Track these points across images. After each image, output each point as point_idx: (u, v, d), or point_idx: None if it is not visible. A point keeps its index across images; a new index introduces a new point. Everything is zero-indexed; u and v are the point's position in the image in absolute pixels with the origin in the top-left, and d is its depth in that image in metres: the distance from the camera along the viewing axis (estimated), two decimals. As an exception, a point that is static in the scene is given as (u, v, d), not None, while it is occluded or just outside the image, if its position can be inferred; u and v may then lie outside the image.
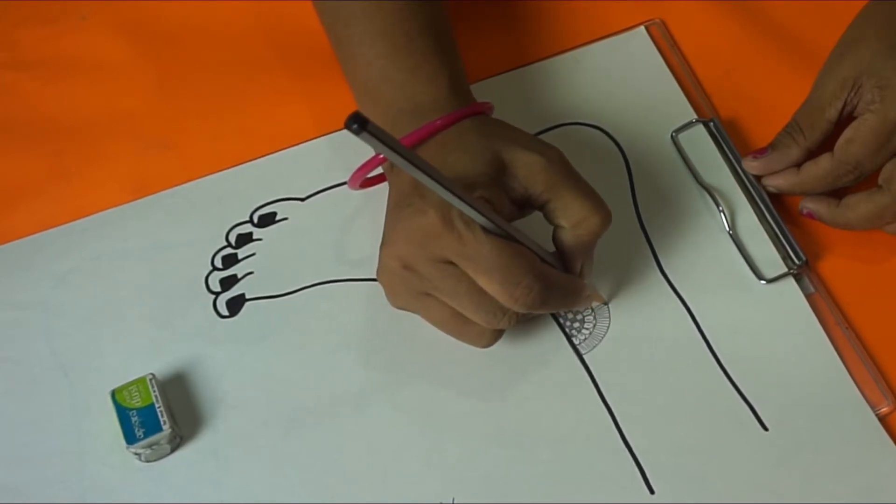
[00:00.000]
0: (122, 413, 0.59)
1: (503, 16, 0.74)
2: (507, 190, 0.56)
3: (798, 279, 0.63)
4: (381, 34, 0.61)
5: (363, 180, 0.60)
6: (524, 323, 0.62)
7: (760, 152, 0.65)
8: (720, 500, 0.57)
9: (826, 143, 0.63)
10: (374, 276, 0.58)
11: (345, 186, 0.65)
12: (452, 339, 0.58)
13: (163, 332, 0.63)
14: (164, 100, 0.72)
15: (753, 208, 0.65)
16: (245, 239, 0.66)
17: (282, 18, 0.74)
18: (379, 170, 0.61)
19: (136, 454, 0.59)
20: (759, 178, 0.66)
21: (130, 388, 0.60)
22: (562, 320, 0.63)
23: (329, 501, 0.58)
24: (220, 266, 0.66)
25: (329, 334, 0.63)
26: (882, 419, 0.59)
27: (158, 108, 0.71)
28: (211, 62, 0.73)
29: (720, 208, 0.65)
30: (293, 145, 0.69)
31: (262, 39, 0.74)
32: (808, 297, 0.63)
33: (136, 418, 0.59)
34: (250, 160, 0.69)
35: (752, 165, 0.65)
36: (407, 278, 0.55)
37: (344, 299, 0.64)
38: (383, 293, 0.58)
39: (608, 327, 0.62)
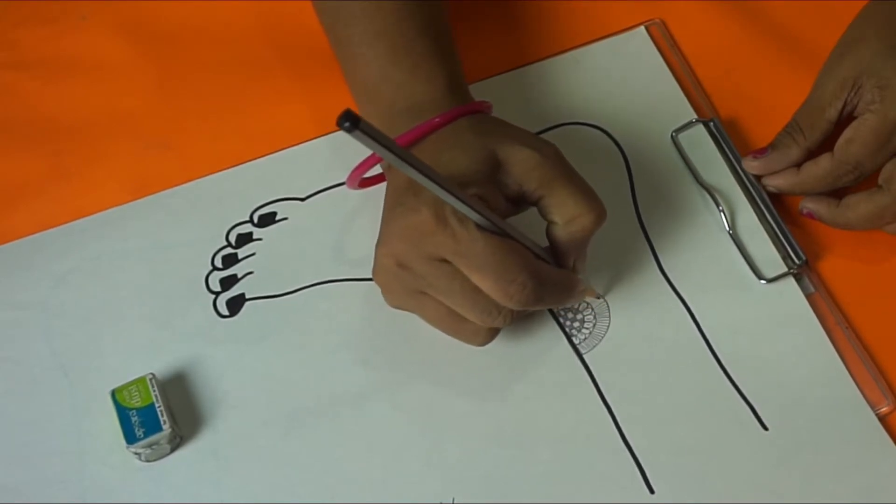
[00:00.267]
0: (122, 413, 0.59)
1: (503, 16, 0.74)
2: (501, 187, 0.56)
3: (798, 279, 0.63)
4: (381, 34, 0.61)
5: (362, 180, 0.60)
6: (523, 322, 0.62)
7: (760, 152, 0.65)
8: (720, 500, 0.57)
9: (826, 143, 0.63)
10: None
11: (345, 186, 0.65)
12: (452, 339, 0.58)
13: (163, 332, 0.63)
14: (164, 100, 0.72)
15: (753, 208, 0.65)
16: (245, 239, 0.66)
17: (282, 18, 0.74)
18: (378, 169, 0.61)
19: (136, 454, 0.59)
20: (759, 177, 0.66)
21: (130, 387, 0.60)
22: (562, 320, 0.63)
23: (329, 501, 0.58)
24: (220, 266, 0.66)
25: (329, 334, 0.63)
26: (882, 419, 0.59)
27: (158, 108, 0.71)
28: (211, 62, 0.73)
29: (720, 208, 0.65)
30: (293, 145, 0.69)
31: (262, 39, 0.74)
32: (808, 296, 0.63)
33: (136, 418, 0.59)
34: (250, 160, 0.69)
35: (752, 165, 0.65)
36: (402, 277, 0.55)
37: (344, 299, 0.64)
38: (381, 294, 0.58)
39: (608, 327, 0.62)
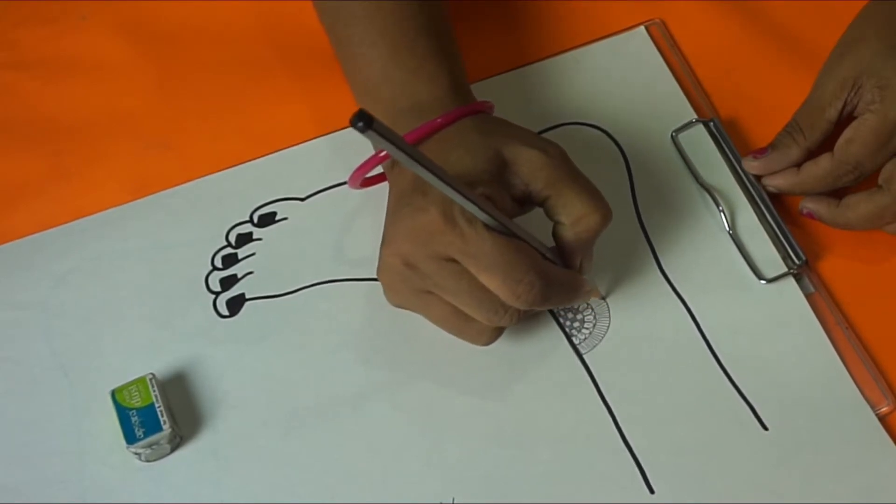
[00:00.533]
0: (122, 413, 0.59)
1: (503, 16, 0.74)
2: (508, 187, 0.56)
3: (798, 279, 0.63)
4: (382, 34, 0.61)
5: (363, 179, 0.60)
6: (524, 322, 0.62)
7: (760, 152, 0.65)
8: (720, 500, 0.57)
9: (826, 143, 0.63)
10: (375, 276, 0.58)
11: (345, 186, 0.65)
12: (453, 339, 0.58)
13: (163, 332, 0.63)
14: (164, 100, 0.72)
15: (753, 208, 0.65)
16: (245, 239, 0.66)
17: (282, 18, 0.74)
18: (379, 169, 0.61)
19: (136, 454, 0.59)
20: (759, 178, 0.66)
21: (130, 387, 0.60)
22: (562, 320, 0.63)
23: (329, 501, 0.58)
24: (220, 266, 0.66)
25: (329, 334, 0.63)
26: (882, 419, 0.59)
27: (158, 108, 0.71)
28: (211, 62, 0.73)
29: (720, 208, 0.65)
30: (293, 145, 0.69)
31: (262, 39, 0.74)
32: (808, 296, 0.63)
33: (136, 418, 0.59)
34: (250, 160, 0.69)
35: (752, 165, 0.65)
36: (408, 276, 0.55)
37: (344, 299, 0.64)
38: (383, 293, 0.58)
39: (608, 327, 0.62)
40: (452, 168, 0.54)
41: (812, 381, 0.60)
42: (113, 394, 0.59)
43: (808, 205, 0.64)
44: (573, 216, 0.56)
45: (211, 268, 0.66)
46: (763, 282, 0.63)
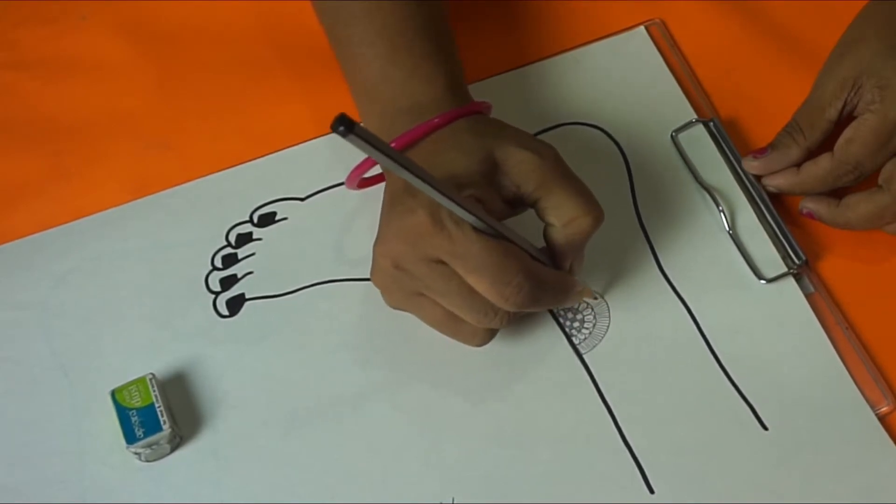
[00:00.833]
0: (122, 413, 0.59)
1: (503, 16, 0.74)
2: (499, 188, 0.56)
3: (798, 279, 0.63)
4: (381, 34, 0.61)
5: (361, 180, 0.60)
6: (522, 322, 0.62)
7: (760, 152, 0.65)
8: (720, 500, 0.57)
9: (826, 143, 0.63)
10: (372, 277, 0.58)
11: (344, 186, 0.65)
12: (451, 339, 0.58)
13: (163, 332, 0.63)
14: (164, 100, 0.72)
15: (753, 208, 0.65)
16: (245, 239, 0.66)
17: (282, 18, 0.74)
18: (378, 169, 0.61)
19: (136, 454, 0.59)
20: (759, 177, 0.66)
21: (130, 387, 0.60)
22: (561, 320, 0.63)
23: (329, 501, 0.58)
24: (220, 266, 0.66)
25: (329, 334, 0.63)
26: (882, 419, 0.59)
27: (158, 108, 0.71)
28: (211, 62, 0.73)
29: (720, 208, 0.65)
30: (293, 145, 0.69)
31: (262, 39, 0.74)
32: (808, 296, 0.63)
33: (136, 418, 0.59)
34: (250, 160, 0.69)
35: (752, 165, 0.65)
36: (399, 278, 0.55)
37: (344, 299, 0.64)
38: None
39: (608, 327, 0.62)
40: (444, 169, 0.54)
41: (812, 381, 0.60)
42: (113, 394, 0.59)
43: (808, 205, 0.64)
44: (564, 218, 0.56)
45: (211, 268, 0.66)
46: (763, 282, 0.63)
